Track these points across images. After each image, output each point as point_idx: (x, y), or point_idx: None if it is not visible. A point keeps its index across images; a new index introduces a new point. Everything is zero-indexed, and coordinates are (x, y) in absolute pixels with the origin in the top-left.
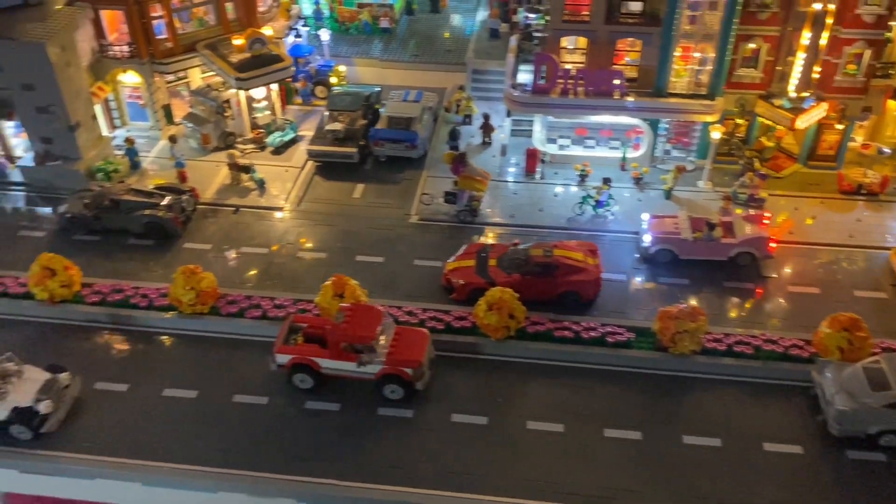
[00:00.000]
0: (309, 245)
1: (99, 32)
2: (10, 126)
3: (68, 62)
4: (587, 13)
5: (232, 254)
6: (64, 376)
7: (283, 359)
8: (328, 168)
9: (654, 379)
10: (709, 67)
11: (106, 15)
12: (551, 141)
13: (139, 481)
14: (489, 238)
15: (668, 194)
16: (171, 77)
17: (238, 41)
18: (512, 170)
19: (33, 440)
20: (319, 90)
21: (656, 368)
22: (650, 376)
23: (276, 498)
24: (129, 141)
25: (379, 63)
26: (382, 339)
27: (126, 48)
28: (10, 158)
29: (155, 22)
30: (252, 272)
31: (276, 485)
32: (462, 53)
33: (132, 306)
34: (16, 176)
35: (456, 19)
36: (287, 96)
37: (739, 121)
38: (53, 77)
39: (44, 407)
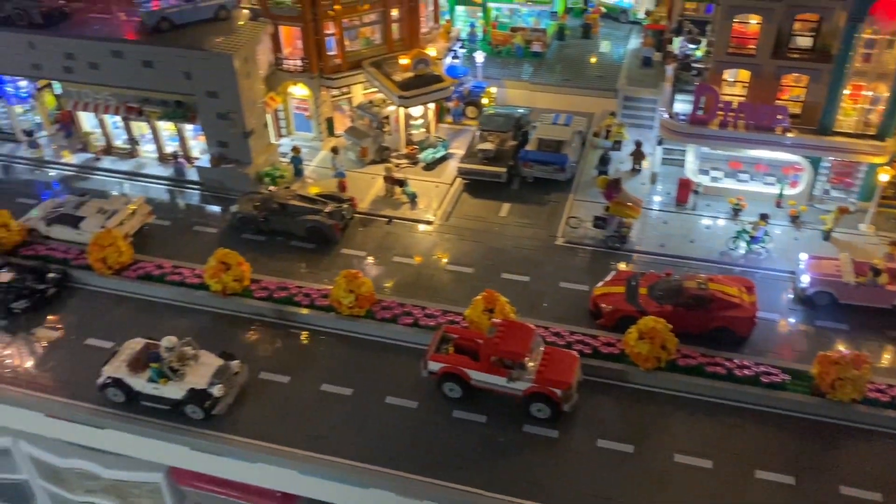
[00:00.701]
0: (455, 259)
1: (276, 46)
2: (190, 129)
3: (248, 73)
4: (753, 47)
5: (387, 261)
6: (235, 363)
7: (434, 367)
8: (476, 186)
9: (809, 424)
10: (880, 107)
11: (284, 30)
12: (703, 172)
13: (296, 469)
14: (634, 266)
15: (827, 235)
16: (335, 91)
17: (404, 61)
18: (658, 198)
19: (204, 420)
20: (470, 110)
21: (812, 413)
22: (804, 420)
23: (422, 500)
24: (295, 150)
25: (529, 86)
26: (533, 358)
27: (299, 62)
28: (188, 158)
29: (327, 39)
30: (403, 281)
31: (424, 487)
32: (612, 80)
33: (295, 304)
34: (192, 175)
35: (606, 46)
36: (439, 114)
37: None
38: (236, 86)
39: (217, 390)
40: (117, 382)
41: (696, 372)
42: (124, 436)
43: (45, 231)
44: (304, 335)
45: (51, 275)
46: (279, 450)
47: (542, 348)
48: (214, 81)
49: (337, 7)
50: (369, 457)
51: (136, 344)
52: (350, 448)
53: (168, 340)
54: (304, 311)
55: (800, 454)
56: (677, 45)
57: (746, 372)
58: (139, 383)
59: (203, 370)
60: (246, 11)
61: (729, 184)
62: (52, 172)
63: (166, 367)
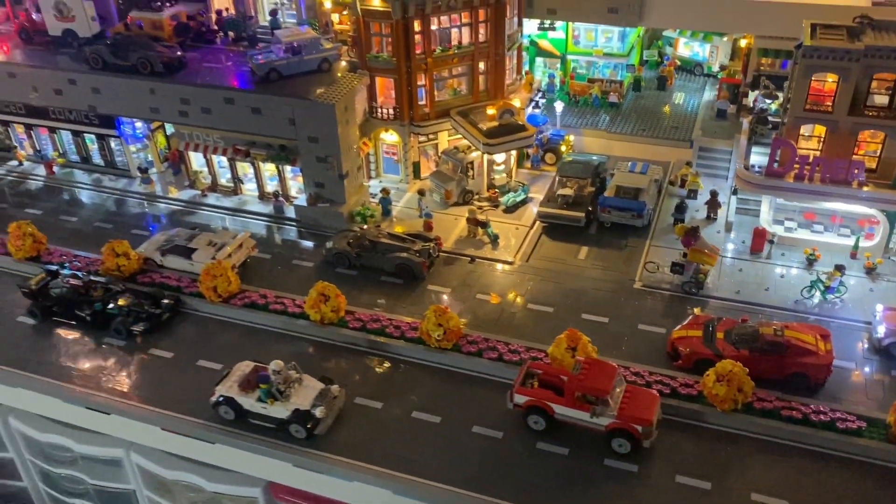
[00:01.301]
0: (536, 299)
1: (371, 96)
2: (289, 170)
3: (347, 120)
4: (830, 104)
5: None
6: (334, 388)
7: (520, 399)
8: (555, 229)
9: (886, 471)
10: None
11: (379, 81)
12: (778, 222)
13: (390, 489)
14: (710, 311)
15: None
16: (423, 138)
17: (490, 111)
18: (732, 246)
19: (306, 440)
20: (549, 157)
21: (888, 460)
22: (881, 468)
23: None
24: (385, 191)
25: (606, 134)
26: (615, 395)
27: (391, 111)
28: (287, 197)
29: (418, 89)
30: (486, 318)
31: None
32: (686, 130)
33: (387, 335)
34: (290, 212)
35: (680, 97)
36: (519, 160)
37: None
38: (336, 133)
39: (319, 412)
40: (229, 401)
41: (772, 415)
42: (232, 451)
43: (160, 261)
44: (392, 364)
45: (165, 301)
46: (374, 470)
47: (623, 386)
48: (317, 128)
49: (429, 61)
50: (457, 481)
51: (245, 366)
52: (439, 472)
53: (276, 364)
54: (396, 342)
55: (877, 501)
56: (752, 98)
57: (822, 417)
58: (248, 402)
59: (306, 393)
60: (345, 64)
61: (803, 234)
62: (162, 206)
63: (274, 389)
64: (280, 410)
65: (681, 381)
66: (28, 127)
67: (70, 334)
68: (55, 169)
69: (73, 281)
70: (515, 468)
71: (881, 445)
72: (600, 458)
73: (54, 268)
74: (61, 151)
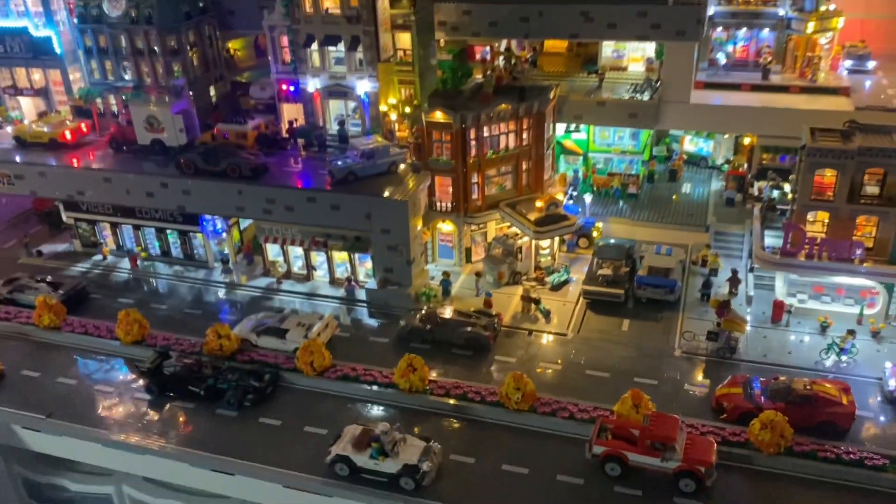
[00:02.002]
0: (591, 366)
1: (431, 192)
2: (360, 257)
3: (414, 214)
4: (831, 194)
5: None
6: (435, 445)
7: (598, 450)
8: (597, 305)
9: None
10: None
11: (438, 180)
12: (791, 295)
13: None
14: (745, 372)
15: None
16: (475, 227)
17: (539, 203)
18: (754, 317)
19: (414, 491)
20: (582, 241)
21: None
22: None
23: None
24: (446, 274)
25: (629, 221)
26: (679, 442)
27: (448, 204)
28: (357, 282)
29: (471, 186)
30: (549, 383)
31: None
32: (699, 217)
33: (469, 399)
34: (360, 295)
35: (688, 188)
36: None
37: None
38: (406, 225)
39: (426, 465)
40: (343, 459)
41: (809, 456)
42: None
43: (255, 341)
44: (476, 425)
45: (267, 376)
46: None
47: (685, 435)
48: (389, 221)
49: (482, 162)
50: None
51: (354, 429)
52: None
53: (383, 426)
54: (478, 405)
55: None
56: (758, 188)
57: (852, 456)
58: (362, 460)
59: (411, 450)
60: (404, 166)
61: (814, 305)
62: (241, 293)
63: (388, 444)
64: (391, 465)
65: (729, 431)
66: (114, 225)
67: (186, 406)
68: (139, 262)
69: (185, 360)
70: None
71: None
72: (670, 496)
73: (161, 351)
74: (144, 246)
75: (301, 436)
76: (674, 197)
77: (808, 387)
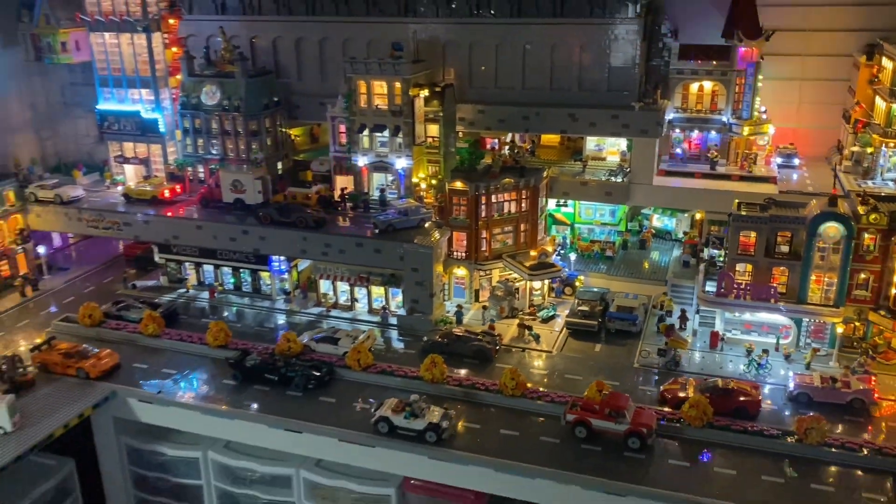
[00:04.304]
0: (568, 372)
1: (450, 243)
2: (393, 292)
3: (436, 259)
4: (753, 250)
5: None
6: (451, 412)
7: (570, 417)
8: (577, 333)
9: (777, 456)
10: (834, 287)
11: (455, 234)
12: (727, 331)
13: (492, 468)
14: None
15: (808, 366)
16: (482, 272)
17: (532, 253)
18: (698, 344)
19: (436, 443)
20: (567, 290)
21: (775, 451)
22: (775, 454)
23: (569, 484)
24: (459, 307)
25: (606, 276)
26: (629, 411)
27: (463, 254)
28: (390, 310)
29: (481, 240)
30: (538, 383)
31: (572, 478)
32: (660, 275)
33: (476, 388)
34: (391, 321)
35: (654, 255)
36: (548, 291)
37: (857, 323)
38: (430, 266)
39: (445, 424)
40: (384, 419)
41: (724, 429)
42: (386, 452)
43: (314, 346)
44: (482, 407)
45: (324, 369)
46: (482, 457)
47: (633, 408)
48: (418, 262)
49: (490, 222)
50: (536, 462)
51: (391, 401)
52: (523, 459)
53: (414, 396)
54: (483, 393)
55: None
56: (707, 252)
57: (754, 429)
58: (397, 420)
59: (434, 414)
60: (430, 223)
61: (744, 337)
62: (298, 319)
63: (417, 409)
64: (419, 424)
65: (668, 412)
66: (197, 264)
67: (263, 389)
68: (216, 294)
69: (263, 355)
70: (569, 459)
71: (789, 443)
72: (621, 451)
73: (242, 350)
74: (221, 281)
75: (351, 409)
76: (644, 263)
77: (727, 384)
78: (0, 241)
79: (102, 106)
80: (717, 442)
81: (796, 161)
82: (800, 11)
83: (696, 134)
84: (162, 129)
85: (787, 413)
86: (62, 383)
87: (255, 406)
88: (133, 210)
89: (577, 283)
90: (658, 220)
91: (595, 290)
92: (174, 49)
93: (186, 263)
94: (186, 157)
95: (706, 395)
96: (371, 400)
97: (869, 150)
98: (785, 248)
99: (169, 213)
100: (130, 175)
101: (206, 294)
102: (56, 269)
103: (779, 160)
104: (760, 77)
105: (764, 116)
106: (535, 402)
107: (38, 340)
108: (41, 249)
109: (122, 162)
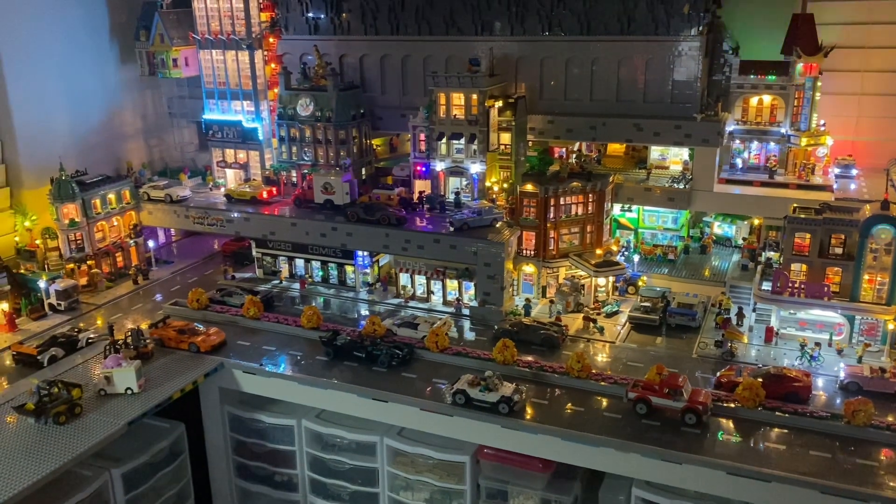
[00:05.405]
0: (630, 360)
1: (519, 242)
2: (466, 285)
3: (507, 254)
4: (807, 251)
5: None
6: (523, 388)
7: (632, 395)
8: (640, 327)
9: (840, 439)
10: (886, 287)
11: (525, 234)
12: (782, 328)
13: (558, 436)
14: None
15: (860, 360)
16: (549, 269)
17: (598, 251)
18: (753, 340)
19: (508, 414)
20: (631, 289)
21: (842, 434)
22: (837, 436)
23: (628, 452)
24: (527, 300)
25: (667, 277)
26: (686, 390)
27: (531, 252)
28: (463, 302)
29: (549, 239)
30: (602, 369)
31: (630, 446)
32: (719, 277)
33: (544, 370)
34: (464, 311)
35: (715, 259)
36: (613, 289)
37: None
38: (501, 261)
39: (517, 397)
40: (461, 392)
41: (777, 409)
42: (463, 421)
43: (396, 330)
44: (549, 387)
45: (406, 350)
46: (551, 427)
47: (690, 388)
48: (490, 257)
49: (559, 224)
50: (600, 433)
51: (467, 376)
52: (588, 429)
53: (489, 372)
54: (551, 374)
55: (832, 448)
56: (764, 256)
57: (804, 411)
58: (473, 392)
59: (507, 388)
60: (501, 223)
61: (798, 334)
62: (379, 308)
63: (491, 384)
64: (493, 396)
65: (724, 394)
66: (290, 258)
67: (351, 365)
68: (306, 285)
69: (351, 335)
70: (630, 432)
71: (838, 424)
72: (678, 427)
73: (334, 330)
74: (311, 274)
75: (430, 384)
76: (705, 271)
77: (778, 370)
78: (117, 235)
79: (208, 116)
80: (766, 421)
81: (854, 171)
82: (860, 29)
83: (755, 145)
84: (260, 137)
85: (837, 401)
86: (176, 356)
87: (344, 378)
88: (235, 209)
89: (640, 283)
90: (718, 227)
91: (657, 289)
92: (273, 65)
93: (280, 257)
94: (281, 163)
95: (759, 380)
96: (444, 383)
97: None
98: (838, 250)
99: (266, 212)
100: (230, 179)
101: (297, 285)
102: (162, 262)
103: (837, 170)
104: (819, 90)
105: (822, 128)
106: (599, 384)
107: (152, 321)
108: (151, 243)
109: (224, 167)
